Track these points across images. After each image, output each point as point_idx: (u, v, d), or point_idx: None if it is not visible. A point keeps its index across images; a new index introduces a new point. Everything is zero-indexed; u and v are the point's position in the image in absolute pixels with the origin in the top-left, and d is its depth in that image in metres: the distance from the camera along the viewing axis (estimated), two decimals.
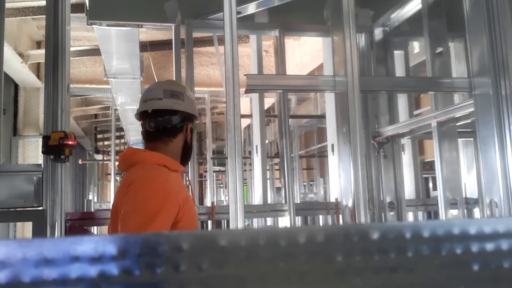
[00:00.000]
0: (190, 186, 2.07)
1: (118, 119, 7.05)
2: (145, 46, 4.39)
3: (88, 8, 2.76)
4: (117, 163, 1.92)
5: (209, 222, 2.71)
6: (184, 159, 1.71)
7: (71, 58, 3.17)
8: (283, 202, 2.88)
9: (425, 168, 6.83)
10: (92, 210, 8.13)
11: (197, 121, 1.75)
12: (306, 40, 5.02)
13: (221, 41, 3.45)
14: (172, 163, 1.62)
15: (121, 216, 1.45)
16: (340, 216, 2.47)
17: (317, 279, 0.42)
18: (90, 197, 10.68)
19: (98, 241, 0.38)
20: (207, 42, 4.82)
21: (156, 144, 1.65)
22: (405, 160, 3.13)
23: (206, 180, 7.96)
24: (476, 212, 2.75)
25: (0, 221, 3.33)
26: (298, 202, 5.67)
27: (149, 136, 1.67)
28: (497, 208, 1.84)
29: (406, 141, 3.18)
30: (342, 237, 0.43)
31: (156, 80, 4.41)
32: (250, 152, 7.38)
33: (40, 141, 2.14)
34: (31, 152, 5.93)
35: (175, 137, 1.66)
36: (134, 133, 8.09)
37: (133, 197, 1.46)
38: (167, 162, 1.59)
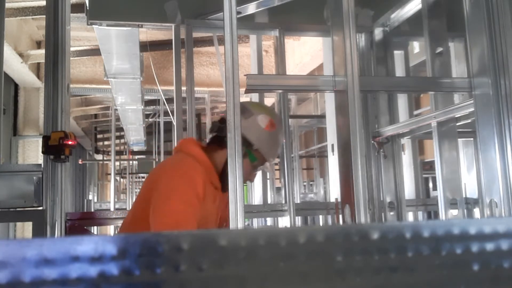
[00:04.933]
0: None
1: (118, 119, 7.05)
2: (145, 46, 4.39)
3: (88, 8, 2.76)
4: (117, 163, 1.96)
5: None
6: (223, 179, 1.61)
7: (71, 58, 3.17)
8: (283, 202, 2.87)
9: (425, 168, 6.82)
10: (92, 210, 8.13)
11: (257, 152, 1.65)
12: (306, 40, 5.02)
13: (221, 41, 3.45)
14: (211, 170, 1.61)
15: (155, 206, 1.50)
16: (340, 216, 2.47)
17: (317, 279, 0.42)
18: (90, 197, 10.67)
19: (98, 241, 0.38)
20: (207, 42, 4.82)
21: (208, 147, 1.69)
22: (405, 160, 3.13)
23: None
24: (476, 212, 2.74)
25: (0, 221, 3.33)
26: (298, 202, 5.67)
27: (210, 139, 1.72)
28: (497, 208, 1.84)
29: (406, 141, 3.17)
30: (342, 237, 0.43)
31: (156, 80, 4.41)
32: None
33: (40, 141, 2.14)
34: (31, 152, 5.94)
35: (221, 148, 1.62)
36: (134, 133, 8.09)
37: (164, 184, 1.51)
38: (205, 165, 1.60)
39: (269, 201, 4.17)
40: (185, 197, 1.48)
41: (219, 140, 1.65)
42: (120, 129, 8.14)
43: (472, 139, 2.85)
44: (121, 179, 13.96)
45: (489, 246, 0.45)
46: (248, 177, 1.73)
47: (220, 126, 1.65)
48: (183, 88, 2.75)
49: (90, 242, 0.38)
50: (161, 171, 1.62)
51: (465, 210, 2.50)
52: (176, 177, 1.53)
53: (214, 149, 1.66)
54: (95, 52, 4.99)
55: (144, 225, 1.48)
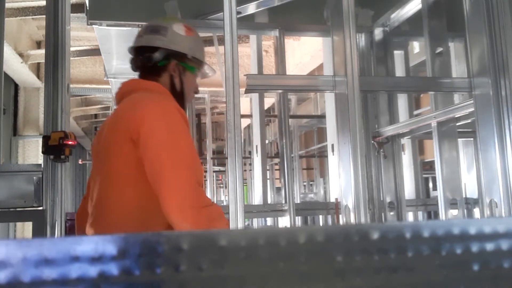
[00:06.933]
0: None
1: None
2: None
3: (88, 8, 2.76)
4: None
5: None
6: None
7: (71, 58, 3.17)
8: (283, 202, 2.87)
9: (425, 168, 6.82)
10: None
11: (191, 61, 1.58)
12: (306, 40, 5.02)
13: (221, 41, 3.45)
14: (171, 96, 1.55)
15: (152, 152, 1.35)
16: (340, 216, 2.47)
17: (317, 279, 0.42)
18: None
19: (98, 241, 0.38)
20: (207, 42, 4.81)
21: (151, 79, 1.57)
22: (405, 160, 3.13)
23: (206, 180, 7.97)
24: (476, 212, 2.74)
25: (0, 221, 3.33)
26: (298, 202, 5.67)
27: (139, 76, 1.60)
28: (497, 208, 1.84)
29: (406, 141, 3.17)
30: (342, 237, 0.43)
31: None
32: (250, 152, 7.37)
33: (40, 141, 2.14)
34: (31, 152, 5.94)
35: (159, 76, 1.56)
36: None
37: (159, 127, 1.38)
38: (167, 93, 1.54)
39: (269, 201, 4.17)
40: (184, 131, 1.40)
41: (150, 71, 1.56)
42: None
43: (472, 139, 2.86)
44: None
45: (489, 246, 0.45)
46: (196, 90, 1.68)
47: (141, 57, 1.56)
48: None
49: (90, 242, 0.38)
50: (139, 115, 1.40)
51: (465, 210, 2.50)
52: (161, 116, 1.40)
53: (156, 79, 1.56)
54: (95, 52, 4.99)
55: (134, 176, 1.37)
